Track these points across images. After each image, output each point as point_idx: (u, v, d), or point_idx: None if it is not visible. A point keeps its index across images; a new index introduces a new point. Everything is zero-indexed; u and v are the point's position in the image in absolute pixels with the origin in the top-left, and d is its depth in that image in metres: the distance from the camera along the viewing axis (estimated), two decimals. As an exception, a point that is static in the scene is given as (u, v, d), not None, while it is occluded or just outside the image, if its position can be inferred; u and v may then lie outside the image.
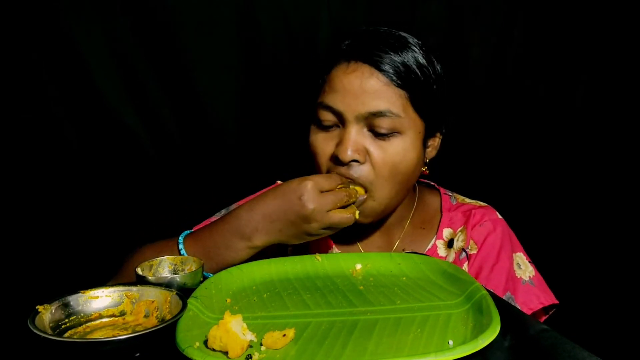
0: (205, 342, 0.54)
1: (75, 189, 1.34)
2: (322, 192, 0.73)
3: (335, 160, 0.79)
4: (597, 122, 1.48)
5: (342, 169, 0.79)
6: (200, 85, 1.36)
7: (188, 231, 0.83)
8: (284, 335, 0.55)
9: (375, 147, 0.79)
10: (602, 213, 1.47)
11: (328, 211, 0.72)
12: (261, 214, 0.75)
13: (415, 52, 0.79)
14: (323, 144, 0.82)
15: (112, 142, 1.36)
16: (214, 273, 0.75)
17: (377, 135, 0.79)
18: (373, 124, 0.78)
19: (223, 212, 1.00)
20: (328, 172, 0.82)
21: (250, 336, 0.53)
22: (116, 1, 1.26)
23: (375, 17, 1.38)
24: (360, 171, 0.79)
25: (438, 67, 0.82)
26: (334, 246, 0.94)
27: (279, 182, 1.01)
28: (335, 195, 0.73)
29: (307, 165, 1.07)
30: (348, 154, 0.77)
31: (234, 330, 0.52)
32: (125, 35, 1.29)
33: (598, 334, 1.19)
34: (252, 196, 0.98)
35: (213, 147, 1.43)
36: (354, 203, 0.77)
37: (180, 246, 0.78)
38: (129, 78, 1.33)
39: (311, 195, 0.72)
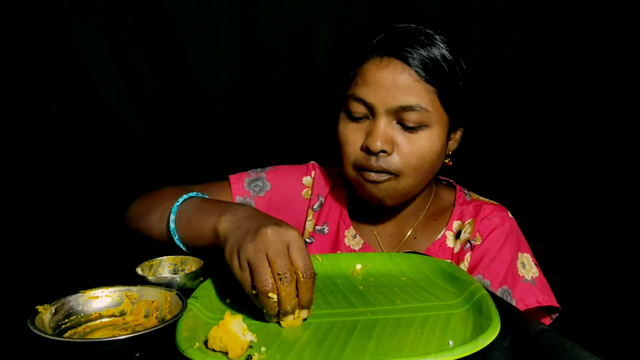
0: (206, 343, 0.54)
1: (75, 188, 1.34)
2: (282, 257, 0.59)
3: (366, 150, 0.83)
4: (597, 121, 1.48)
5: (372, 159, 0.83)
6: (199, 84, 1.36)
7: (197, 195, 0.83)
8: (297, 316, 0.59)
9: (403, 139, 0.83)
10: (603, 213, 1.47)
11: (264, 254, 0.58)
12: (244, 211, 0.71)
13: (443, 49, 0.83)
14: (353, 134, 0.86)
15: (112, 141, 1.36)
16: (181, 238, 0.77)
17: (406, 128, 0.83)
18: (402, 117, 0.82)
19: (259, 170, 1.02)
20: (355, 163, 0.85)
21: (250, 337, 0.53)
22: (116, 1, 1.26)
23: (375, 17, 1.38)
24: (388, 161, 0.83)
25: (463, 63, 0.86)
26: (351, 227, 0.98)
27: (313, 162, 1.06)
28: (283, 259, 0.58)
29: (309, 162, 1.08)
30: (377, 144, 0.81)
31: (234, 330, 0.52)
32: (125, 35, 1.29)
33: (598, 334, 1.19)
34: (287, 166, 1.04)
35: (212, 146, 1.43)
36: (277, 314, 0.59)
37: (174, 208, 0.80)
38: (128, 78, 1.33)
39: (281, 230, 0.61)
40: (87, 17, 1.26)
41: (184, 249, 0.79)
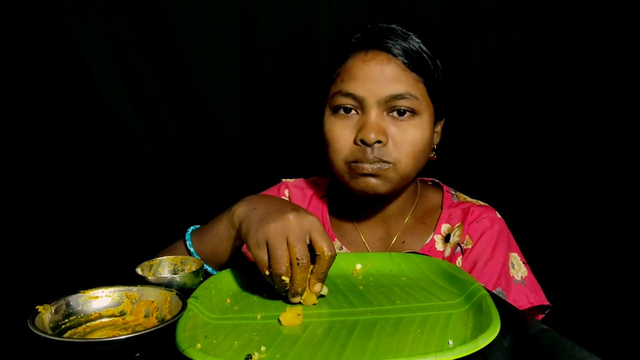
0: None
1: (75, 189, 1.35)
2: (301, 239, 0.63)
3: (361, 142, 0.83)
4: (596, 121, 1.48)
5: (367, 151, 0.82)
6: (200, 85, 1.36)
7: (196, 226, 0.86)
8: (298, 314, 0.61)
9: (395, 129, 0.84)
10: (601, 213, 1.47)
11: (284, 238, 0.63)
12: (257, 196, 0.77)
13: (419, 43, 0.85)
14: (343, 130, 0.85)
15: (112, 142, 1.36)
16: (204, 258, 0.78)
17: (397, 117, 0.84)
18: (393, 107, 0.83)
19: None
20: (347, 158, 0.85)
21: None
22: (117, 1, 1.27)
23: (375, 18, 1.38)
24: (383, 151, 0.83)
25: (438, 62, 0.88)
26: (336, 239, 0.97)
27: (284, 179, 1.06)
28: (302, 245, 0.63)
29: (309, 162, 1.08)
30: (372, 136, 0.81)
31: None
32: (125, 36, 1.30)
33: (598, 334, 1.19)
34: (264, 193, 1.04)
35: (213, 146, 1.43)
36: (297, 294, 0.65)
37: (187, 236, 0.83)
38: (129, 78, 1.33)
39: (302, 216, 0.65)
40: (87, 18, 1.26)
41: (210, 269, 0.80)
